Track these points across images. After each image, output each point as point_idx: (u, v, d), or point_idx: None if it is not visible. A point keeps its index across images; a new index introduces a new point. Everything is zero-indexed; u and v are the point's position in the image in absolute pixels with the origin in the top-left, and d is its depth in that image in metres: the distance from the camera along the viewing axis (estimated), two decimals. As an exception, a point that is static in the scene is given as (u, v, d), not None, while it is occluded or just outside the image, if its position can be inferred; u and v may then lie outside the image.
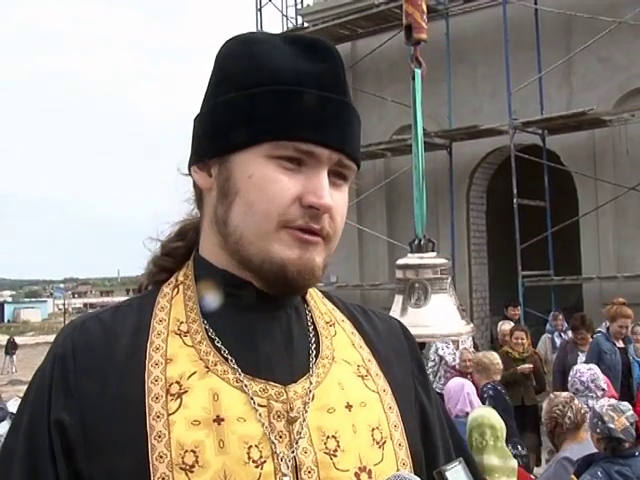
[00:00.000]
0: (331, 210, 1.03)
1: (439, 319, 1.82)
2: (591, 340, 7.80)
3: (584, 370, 5.68)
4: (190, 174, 1.10)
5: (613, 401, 4.48)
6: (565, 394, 4.51)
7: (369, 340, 1.17)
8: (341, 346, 1.12)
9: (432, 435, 1.16)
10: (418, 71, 1.94)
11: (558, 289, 12.69)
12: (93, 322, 1.05)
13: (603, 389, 5.49)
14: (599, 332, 7.93)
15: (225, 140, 1.03)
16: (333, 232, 1.05)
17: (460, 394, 5.38)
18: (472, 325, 1.88)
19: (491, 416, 4.03)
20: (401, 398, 1.12)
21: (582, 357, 7.51)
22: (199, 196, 1.12)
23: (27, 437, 0.99)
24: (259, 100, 1.01)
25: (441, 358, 7.93)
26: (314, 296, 1.17)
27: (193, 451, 0.94)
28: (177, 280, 1.11)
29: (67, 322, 1.14)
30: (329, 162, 1.03)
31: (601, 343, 7.30)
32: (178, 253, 1.14)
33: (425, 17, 1.87)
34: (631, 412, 3.96)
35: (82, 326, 1.05)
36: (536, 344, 9.13)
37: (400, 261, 1.92)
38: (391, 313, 1.86)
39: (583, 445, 4.11)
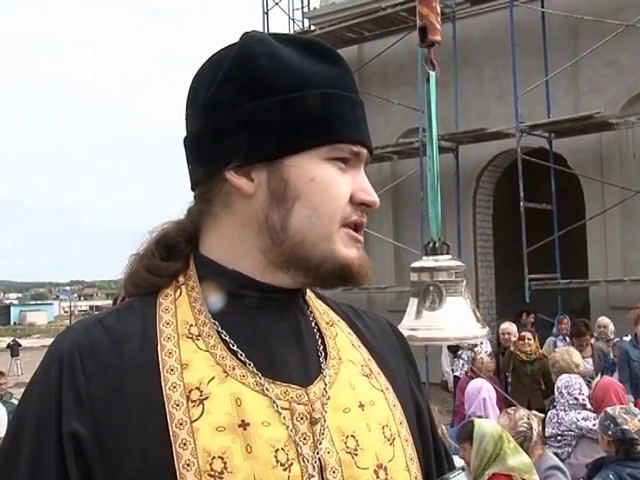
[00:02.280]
0: None
1: (454, 322, 1.81)
2: (592, 342, 7.81)
3: (563, 377, 5.72)
4: (225, 179, 1.04)
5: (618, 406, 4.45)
6: (522, 410, 4.38)
7: (365, 339, 1.17)
8: (344, 346, 1.13)
9: (426, 431, 1.18)
10: (433, 73, 1.93)
11: (565, 292, 12.67)
12: (97, 328, 1.02)
13: (576, 398, 5.47)
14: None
15: (276, 144, 1.02)
16: None
17: (476, 397, 5.39)
18: (488, 328, 1.87)
19: (495, 425, 4.01)
20: (402, 395, 1.14)
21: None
22: (209, 201, 1.07)
23: (34, 446, 0.96)
24: (311, 103, 1.02)
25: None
26: (311, 296, 1.17)
27: (221, 457, 0.93)
28: (177, 281, 1.08)
29: (65, 328, 1.08)
30: (365, 160, 1.08)
31: (629, 350, 7.25)
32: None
33: (439, 19, 1.87)
34: None
35: (86, 332, 1.02)
36: (542, 347, 9.12)
37: (415, 264, 1.91)
38: (406, 316, 1.86)
39: (549, 459, 4.06)
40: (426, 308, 1.82)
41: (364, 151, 1.06)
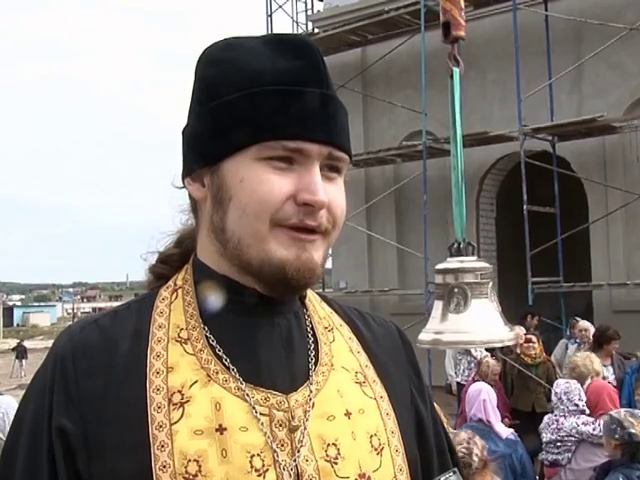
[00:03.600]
0: (328, 205, 1.03)
1: (480, 325, 1.74)
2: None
3: (560, 383, 5.74)
4: (184, 186, 1.11)
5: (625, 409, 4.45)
6: (464, 432, 4.07)
7: (366, 345, 1.17)
8: (339, 352, 1.12)
9: (427, 440, 1.17)
10: (457, 70, 1.89)
11: (568, 296, 12.63)
12: (92, 328, 1.05)
13: (576, 404, 5.47)
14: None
15: (213, 148, 1.04)
16: (332, 226, 1.05)
17: (476, 399, 5.40)
18: (515, 332, 1.80)
19: None
20: (398, 403, 1.13)
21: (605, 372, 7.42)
22: (194, 207, 1.12)
23: (29, 441, 1.00)
24: (241, 104, 1.02)
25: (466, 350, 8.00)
26: (312, 300, 1.17)
27: (196, 460, 0.95)
28: (175, 284, 1.11)
29: (65, 328, 1.12)
30: (319, 157, 1.02)
31: None
32: (173, 260, 1.14)
33: (463, 14, 1.84)
34: None
35: (81, 332, 1.05)
36: (546, 351, 9.13)
37: (439, 265, 1.85)
38: (430, 319, 1.81)
39: None
40: (451, 311, 1.76)
41: (311, 147, 1.01)
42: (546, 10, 12.59)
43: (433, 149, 13.11)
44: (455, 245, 1.86)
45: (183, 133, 1.11)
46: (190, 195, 1.11)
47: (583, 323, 9.06)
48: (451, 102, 1.89)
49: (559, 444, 5.46)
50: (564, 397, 5.51)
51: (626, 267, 12.28)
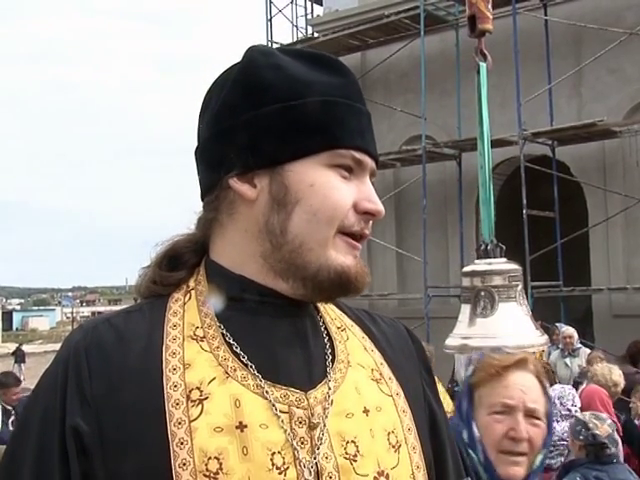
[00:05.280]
0: None
1: (509, 329, 1.67)
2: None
3: (556, 387, 5.76)
4: (204, 187, 1.10)
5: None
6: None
7: (379, 344, 1.18)
8: (354, 350, 1.13)
9: (441, 437, 1.17)
10: (483, 64, 1.85)
11: (567, 300, 12.64)
12: (105, 326, 1.05)
13: (569, 409, 5.49)
14: None
15: (276, 150, 1.04)
16: None
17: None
18: (546, 336, 1.72)
19: None
20: (413, 401, 1.13)
21: None
22: (216, 208, 1.09)
23: (38, 440, 0.98)
24: (312, 111, 1.04)
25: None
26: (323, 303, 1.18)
27: (217, 458, 0.94)
28: (188, 286, 1.10)
29: (77, 326, 1.11)
30: (369, 170, 1.09)
31: None
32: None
33: (490, 7, 1.79)
34: (610, 421, 4.12)
35: (94, 331, 1.04)
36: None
37: (466, 268, 1.79)
38: (457, 324, 1.77)
39: None
40: (478, 315, 1.71)
41: (367, 159, 1.07)
42: (546, 15, 12.61)
43: (432, 153, 13.13)
44: (483, 246, 1.80)
45: (223, 132, 1.07)
46: (217, 197, 1.08)
47: (567, 329, 8.98)
48: (478, 99, 1.86)
49: (551, 448, 5.46)
50: (557, 401, 5.52)
51: (626, 271, 12.28)
